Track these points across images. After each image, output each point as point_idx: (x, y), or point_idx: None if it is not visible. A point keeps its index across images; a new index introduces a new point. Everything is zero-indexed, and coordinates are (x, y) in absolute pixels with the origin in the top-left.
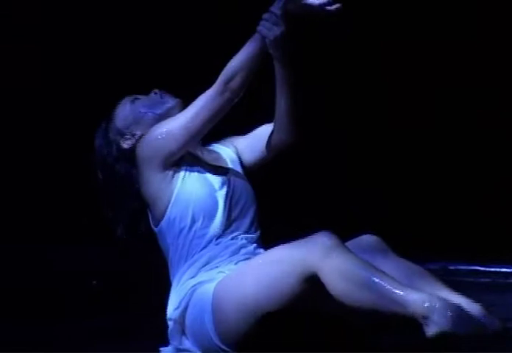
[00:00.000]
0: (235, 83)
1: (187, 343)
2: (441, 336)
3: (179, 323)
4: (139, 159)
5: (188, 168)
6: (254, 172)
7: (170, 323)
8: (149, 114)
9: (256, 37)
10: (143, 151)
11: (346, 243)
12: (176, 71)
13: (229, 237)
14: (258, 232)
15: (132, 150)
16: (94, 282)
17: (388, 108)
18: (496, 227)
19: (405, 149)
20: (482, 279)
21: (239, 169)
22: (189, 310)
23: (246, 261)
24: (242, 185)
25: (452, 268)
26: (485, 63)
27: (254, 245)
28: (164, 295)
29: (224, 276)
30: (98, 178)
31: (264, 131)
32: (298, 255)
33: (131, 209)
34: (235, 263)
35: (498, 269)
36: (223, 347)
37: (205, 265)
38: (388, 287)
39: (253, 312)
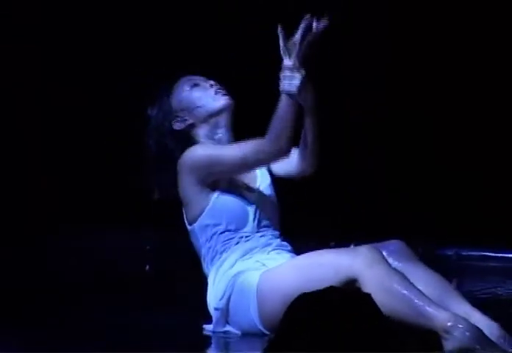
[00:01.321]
0: (284, 143)
1: (228, 327)
2: (458, 351)
3: (224, 311)
4: (180, 165)
5: (225, 183)
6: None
7: (216, 313)
8: (201, 109)
9: (283, 96)
10: (188, 161)
11: (374, 245)
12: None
13: (259, 235)
14: (279, 232)
15: (181, 132)
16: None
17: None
18: (504, 216)
19: (412, 135)
20: (492, 264)
21: (269, 181)
22: (232, 298)
23: (289, 259)
24: (270, 195)
25: (464, 253)
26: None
27: (279, 239)
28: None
29: (268, 269)
30: (146, 142)
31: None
32: (343, 261)
33: (169, 175)
34: (268, 253)
35: (506, 254)
36: (265, 331)
37: (242, 257)
38: (419, 302)
39: None
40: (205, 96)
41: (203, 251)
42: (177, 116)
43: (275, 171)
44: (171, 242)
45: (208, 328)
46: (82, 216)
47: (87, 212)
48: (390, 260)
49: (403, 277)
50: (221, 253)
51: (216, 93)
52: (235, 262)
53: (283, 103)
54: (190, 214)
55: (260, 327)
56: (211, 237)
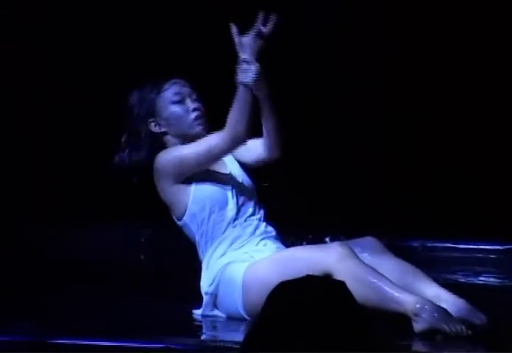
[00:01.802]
0: (241, 130)
1: (216, 311)
2: (427, 331)
3: (213, 296)
4: (155, 170)
5: (198, 175)
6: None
7: (206, 297)
8: (176, 127)
9: (240, 87)
10: (159, 168)
11: (351, 242)
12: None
13: (243, 219)
14: (262, 211)
15: (153, 133)
16: (142, 257)
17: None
18: (466, 209)
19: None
20: (455, 254)
21: (237, 166)
22: (220, 285)
23: (273, 252)
24: (242, 178)
25: (429, 244)
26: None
27: (264, 223)
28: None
29: (254, 262)
30: (124, 119)
31: (254, 144)
32: (317, 257)
33: (139, 158)
34: (256, 244)
35: (467, 246)
36: (246, 316)
37: (231, 245)
38: (388, 289)
39: None
40: (183, 119)
41: (197, 238)
42: (155, 120)
43: (242, 160)
44: (163, 235)
45: (197, 312)
46: (85, 214)
47: (89, 210)
48: (364, 255)
49: (373, 269)
50: (212, 238)
51: (195, 119)
52: (226, 251)
53: (240, 93)
54: (176, 212)
55: (243, 313)
56: (201, 223)
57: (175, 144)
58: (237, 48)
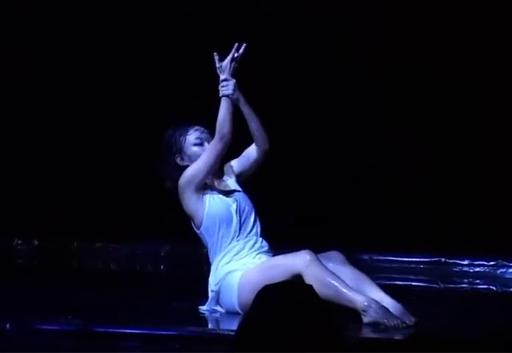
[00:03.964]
0: (226, 131)
1: (218, 307)
2: (372, 323)
3: (217, 293)
4: (181, 184)
5: (211, 194)
6: (250, 176)
7: (212, 293)
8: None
9: (223, 99)
10: (182, 180)
11: (320, 255)
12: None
13: (244, 235)
14: (259, 227)
15: (178, 164)
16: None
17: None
18: (402, 229)
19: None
20: (394, 265)
21: (240, 189)
22: (223, 287)
23: (260, 262)
24: (244, 199)
25: (375, 257)
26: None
27: (260, 239)
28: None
29: (246, 269)
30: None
31: (249, 149)
32: (291, 263)
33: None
34: (253, 258)
35: (403, 258)
36: (240, 312)
37: (235, 255)
38: (344, 290)
39: None
40: (200, 155)
41: (209, 246)
42: (180, 155)
43: (242, 172)
44: (179, 250)
45: (203, 308)
46: (119, 233)
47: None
48: (329, 264)
49: (333, 273)
50: (220, 248)
51: (203, 150)
52: (231, 260)
53: (222, 104)
54: (195, 222)
55: (238, 309)
56: (212, 234)
57: None
58: (218, 70)
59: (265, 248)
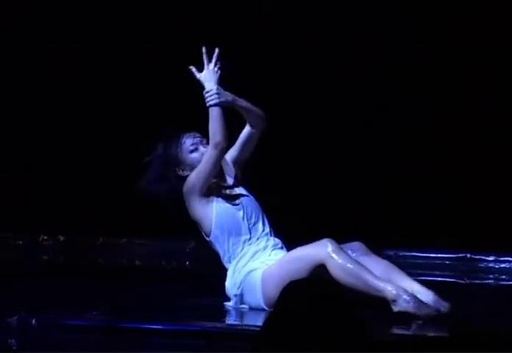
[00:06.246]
0: (221, 139)
1: (242, 305)
2: (402, 313)
3: (240, 296)
4: (184, 193)
5: (217, 202)
6: (247, 159)
7: (234, 298)
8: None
9: (211, 109)
10: (185, 188)
11: (343, 246)
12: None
13: (255, 238)
14: (269, 227)
15: (179, 174)
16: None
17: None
18: (429, 226)
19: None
20: (419, 261)
21: (246, 192)
22: (245, 288)
23: (280, 257)
24: (251, 202)
25: (400, 253)
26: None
27: (272, 237)
28: None
29: (267, 266)
30: (153, 161)
31: (242, 134)
32: (311, 253)
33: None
34: (269, 255)
35: (429, 254)
36: (266, 308)
37: (251, 258)
38: (371, 278)
39: None
40: (198, 161)
41: (221, 254)
42: (180, 166)
43: (239, 156)
44: (203, 246)
45: (228, 304)
46: (146, 230)
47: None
48: (354, 254)
49: (357, 261)
50: (233, 255)
51: (201, 156)
52: (247, 262)
53: (211, 113)
54: (204, 229)
55: (264, 306)
56: (223, 243)
57: None
58: (200, 82)
59: (279, 246)
